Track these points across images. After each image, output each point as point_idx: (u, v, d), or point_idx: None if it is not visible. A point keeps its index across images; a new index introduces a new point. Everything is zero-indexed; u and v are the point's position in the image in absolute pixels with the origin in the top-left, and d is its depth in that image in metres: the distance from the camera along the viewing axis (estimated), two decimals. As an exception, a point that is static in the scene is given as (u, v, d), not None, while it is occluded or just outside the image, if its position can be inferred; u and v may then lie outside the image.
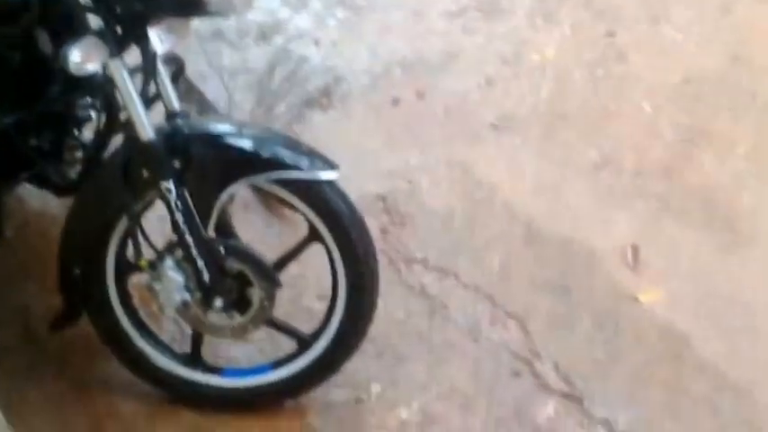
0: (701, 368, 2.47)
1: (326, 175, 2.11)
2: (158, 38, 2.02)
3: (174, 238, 2.09)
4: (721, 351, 2.52)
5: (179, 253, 2.10)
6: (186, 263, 2.10)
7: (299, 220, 2.20)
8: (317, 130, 3.16)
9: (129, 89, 1.98)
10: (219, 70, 3.39)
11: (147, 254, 2.13)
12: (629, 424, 2.32)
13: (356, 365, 2.32)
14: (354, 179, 2.58)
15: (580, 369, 2.46)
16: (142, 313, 2.31)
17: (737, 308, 2.66)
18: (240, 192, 2.33)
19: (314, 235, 2.18)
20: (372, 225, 2.36)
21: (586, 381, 2.43)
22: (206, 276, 2.10)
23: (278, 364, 2.26)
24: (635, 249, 2.80)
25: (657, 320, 2.60)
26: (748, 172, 3.06)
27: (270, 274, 2.16)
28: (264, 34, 3.60)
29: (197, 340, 2.28)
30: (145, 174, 2.04)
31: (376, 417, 2.31)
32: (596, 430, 2.32)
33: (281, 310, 2.26)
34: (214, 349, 2.32)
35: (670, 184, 3.02)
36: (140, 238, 2.12)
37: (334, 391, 2.32)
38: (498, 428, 2.31)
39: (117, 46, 1.96)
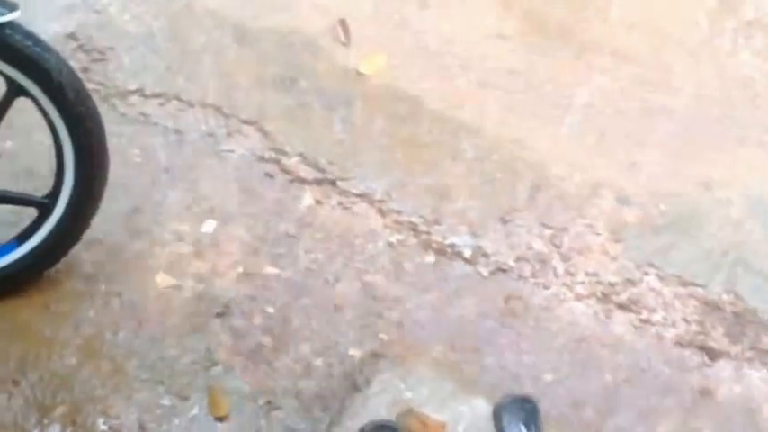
0: (435, 120, 2.60)
1: (3, 17, 1.87)
2: None
3: None
4: (448, 100, 2.66)
5: None
6: None
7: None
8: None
9: None
10: None
11: None
12: (387, 191, 2.43)
13: (106, 218, 2.19)
14: (33, 22, 2.32)
15: (326, 153, 2.50)
16: None
17: (450, 57, 2.80)
18: None
19: (15, 89, 1.95)
20: (73, 67, 2.17)
21: (335, 162, 2.48)
22: None
23: (23, 237, 2.08)
24: (344, 25, 2.80)
25: (385, 87, 2.68)
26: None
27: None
28: None
29: None
30: None
31: (145, 258, 2.22)
32: (357, 205, 2.41)
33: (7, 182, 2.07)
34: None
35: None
36: None
37: (92, 247, 2.20)
38: (267, 233, 2.31)
39: None
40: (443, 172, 2.48)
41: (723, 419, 2.11)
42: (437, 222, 2.38)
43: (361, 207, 2.41)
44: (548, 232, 2.39)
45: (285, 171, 2.46)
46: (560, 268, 2.33)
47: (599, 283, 2.31)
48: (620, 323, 2.25)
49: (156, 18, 2.79)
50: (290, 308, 2.17)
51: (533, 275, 2.31)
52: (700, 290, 2.30)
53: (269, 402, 1.98)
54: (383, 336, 2.15)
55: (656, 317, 2.26)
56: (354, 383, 1.97)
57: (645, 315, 2.26)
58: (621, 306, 2.28)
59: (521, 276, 2.31)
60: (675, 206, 2.47)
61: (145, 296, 2.15)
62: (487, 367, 2.12)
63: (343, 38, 2.77)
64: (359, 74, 2.69)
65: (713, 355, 2.21)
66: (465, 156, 2.52)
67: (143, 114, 2.56)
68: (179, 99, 2.60)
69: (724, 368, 2.18)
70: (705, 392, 2.14)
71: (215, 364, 2.03)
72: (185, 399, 1.98)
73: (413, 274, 2.29)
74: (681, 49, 2.93)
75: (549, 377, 2.15)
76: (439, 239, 2.36)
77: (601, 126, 2.66)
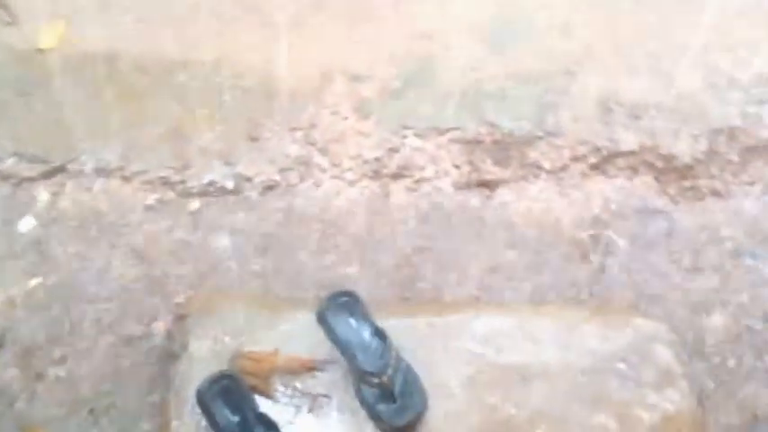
0: (140, 68, 2.40)
1: None
2: None
3: None
4: (144, 43, 2.47)
5: None
6: None
7: None
8: None
9: None
10: None
11: None
12: (122, 156, 2.24)
13: None
14: None
15: (43, 142, 2.25)
16: None
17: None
18: None
19: None
20: None
21: (56, 148, 2.24)
22: None
23: None
24: (3, 3, 2.52)
25: (73, 54, 2.43)
26: None
27: None
28: None
29: None
30: None
31: None
32: (98, 182, 2.20)
33: None
34: None
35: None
36: None
37: None
38: (11, 246, 2.07)
39: None
40: (171, 115, 2.32)
41: (522, 237, 2.19)
42: (187, 167, 2.23)
43: (103, 182, 2.21)
44: (298, 134, 2.32)
45: (5, 176, 2.20)
46: (324, 163, 2.27)
47: (365, 162, 2.28)
48: (399, 191, 2.25)
49: None
50: (72, 310, 1.97)
51: (302, 179, 2.24)
52: (457, 133, 2.34)
53: (91, 411, 1.80)
54: (178, 299, 2.02)
55: (429, 173, 2.28)
56: (172, 353, 1.83)
57: (418, 175, 2.27)
58: (394, 176, 2.27)
59: (290, 185, 2.23)
60: (404, 65, 2.47)
61: None
62: (293, 281, 2.05)
63: (7, 18, 2.49)
64: (40, 50, 2.43)
65: (492, 185, 2.27)
66: (187, 90, 2.36)
67: None
68: None
69: (506, 193, 2.25)
70: (499, 221, 2.20)
71: (14, 399, 1.81)
72: (-2, 449, 1.76)
73: (183, 227, 2.15)
74: None
75: (352, 269, 2.12)
76: (196, 183, 2.22)
77: (307, 21, 2.59)
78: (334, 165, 2.27)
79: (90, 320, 1.96)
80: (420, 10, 2.61)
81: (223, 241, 2.12)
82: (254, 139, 2.29)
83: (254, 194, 2.20)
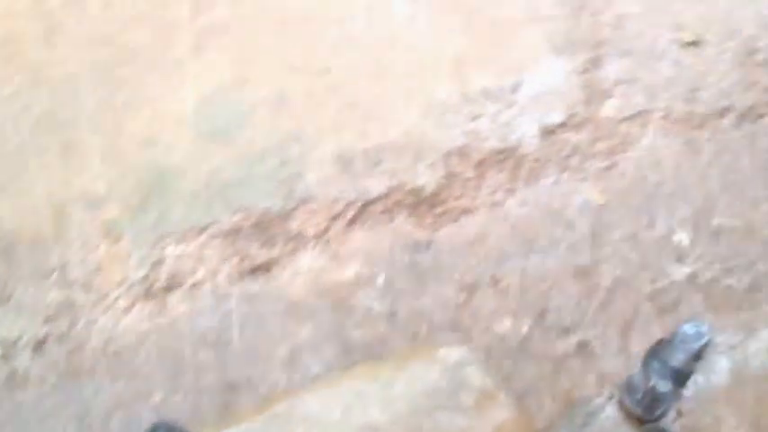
0: None
1: None
2: None
3: None
4: None
5: None
6: None
7: None
8: None
9: None
10: None
11: None
12: None
13: None
14: None
15: None
16: None
17: None
18: None
19: None
20: None
21: None
22: None
23: None
24: None
25: None
26: None
27: None
28: None
29: None
30: None
31: None
32: None
33: None
34: None
35: None
36: None
37: None
38: None
39: None
40: None
41: (309, 310, 2.20)
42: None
43: None
44: (52, 278, 2.17)
45: None
46: (89, 299, 2.15)
47: (132, 285, 2.19)
48: (177, 303, 2.18)
49: None
50: None
51: (73, 323, 2.10)
52: (214, 228, 2.30)
53: None
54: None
55: (201, 275, 2.23)
56: None
57: (191, 281, 2.21)
58: (167, 289, 2.19)
59: (62, 334, 2.08)
60: (137, 176, 2.39)
61: None
62: (102, 433, 1.93)
63: None
64: None
65: (266, 268, 2.26)
66: None
67: None
68: None
69: (281, 271, 2.25)
70: (283, 301, 2.20)
71: None
72: None
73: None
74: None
75: (156, 398, 2.03)
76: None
77: (19, 159, 2.44)
78: (102, 296, 2.15)
79: None
80: (131, 116, 2.55)
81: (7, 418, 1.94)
82: (5, 300, 2.11)
83: (25, 356, 2.03)
